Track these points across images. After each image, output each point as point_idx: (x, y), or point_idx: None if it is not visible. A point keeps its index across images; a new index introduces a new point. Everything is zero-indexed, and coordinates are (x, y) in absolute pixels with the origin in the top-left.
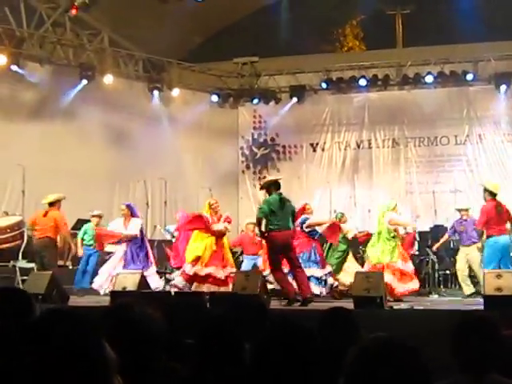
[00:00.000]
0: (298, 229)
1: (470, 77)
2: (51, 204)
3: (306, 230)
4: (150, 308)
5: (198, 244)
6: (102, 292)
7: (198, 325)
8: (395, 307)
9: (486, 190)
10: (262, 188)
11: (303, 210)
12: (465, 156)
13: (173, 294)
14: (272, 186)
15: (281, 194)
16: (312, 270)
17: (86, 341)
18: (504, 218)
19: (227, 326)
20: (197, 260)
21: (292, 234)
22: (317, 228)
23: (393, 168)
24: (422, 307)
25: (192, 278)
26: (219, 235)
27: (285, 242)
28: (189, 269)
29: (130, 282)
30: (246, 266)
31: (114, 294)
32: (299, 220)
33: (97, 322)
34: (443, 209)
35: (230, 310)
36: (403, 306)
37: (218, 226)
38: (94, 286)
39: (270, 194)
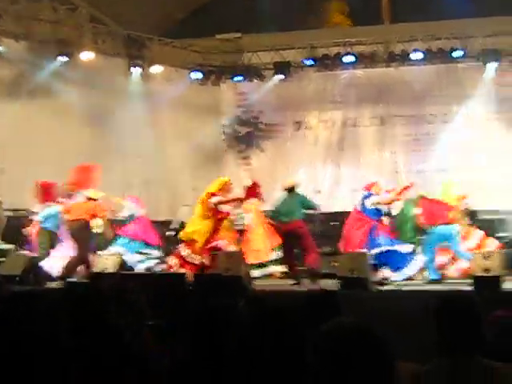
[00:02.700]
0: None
1: (458, 54)
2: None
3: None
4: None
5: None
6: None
7: (185, 308)
8: (381, 288)
9: None
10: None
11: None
12: (452, 135)
13: (154, 275)
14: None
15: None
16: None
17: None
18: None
19: (219, 312)
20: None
21: None
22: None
23: (379, 147)
24: (410, 288)
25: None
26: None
27: None
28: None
29: (110, 263)
30: None
31: (93, 276)
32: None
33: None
34: (430, 188)
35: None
36: (391, 287)
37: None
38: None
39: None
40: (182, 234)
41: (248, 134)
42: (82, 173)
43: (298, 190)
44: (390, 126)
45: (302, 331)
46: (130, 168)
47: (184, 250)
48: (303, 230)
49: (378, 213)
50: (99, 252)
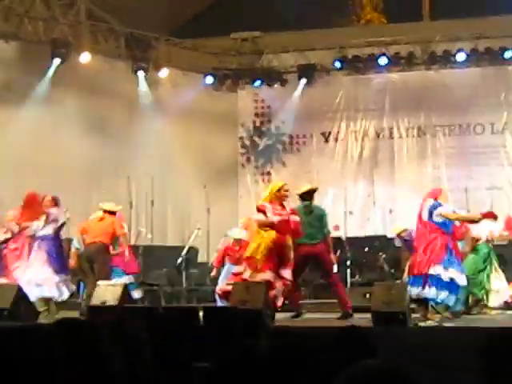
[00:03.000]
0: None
1: (508, 54)
2: (109, 212)
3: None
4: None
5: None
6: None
7: (193, 343)
8: (421, 324)
9: None
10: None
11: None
12: (503, 147)
13: (161, 309)
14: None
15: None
16: None
17: None
18: None
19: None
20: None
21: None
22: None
23: (418, 161)
24: (453, 324)
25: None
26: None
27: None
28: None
29: (109, 294)
30: None
31: (92, 310)
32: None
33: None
34: (478, 209)
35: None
36: (430, 322)
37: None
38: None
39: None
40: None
41: (268, 147)
42: (30, 205)
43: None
44: (430, 137)
45: (330, 374)
46: (134, 186)
47: (245, 271)
48: (328, 256)
49: (447, 226)
50: (98, 282)
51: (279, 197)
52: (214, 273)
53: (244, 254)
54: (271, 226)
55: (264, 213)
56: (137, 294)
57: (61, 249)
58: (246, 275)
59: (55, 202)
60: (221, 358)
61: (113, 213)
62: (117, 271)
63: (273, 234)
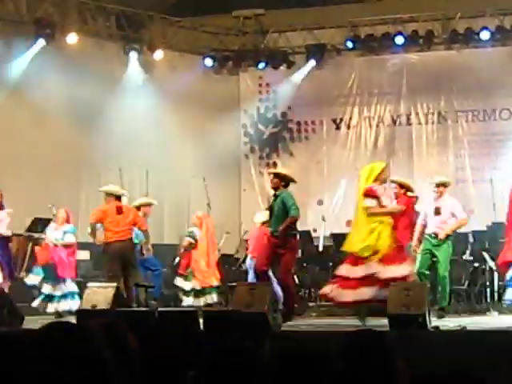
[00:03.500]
0: None
1: None
2: (116, 197)
3: None
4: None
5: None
6: None
7: (193, 351)
8: (442, 328)
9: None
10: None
11: None
12: None
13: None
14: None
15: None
16: None
17: None
18: None
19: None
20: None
21: None
22: None
23: (439, 150)
24: (476, 328)
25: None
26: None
27: None
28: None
29: (101, 298)
30: None
31: (81, 314)
32: None
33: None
34: (504, 202)
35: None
36: (452, 325)
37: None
38: None
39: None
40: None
41: (274, 135)
42: None
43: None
44: (451, 123)
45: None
46: (126, 178)
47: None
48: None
49: None
50: (89, 283)
51: (382, 180)
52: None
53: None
54: (388, 212)
55: (376, 198)
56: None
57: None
58: (381, 273)
59: None
60: (216, 363)
61: (118, 197)
62: None
63: (389, 220)
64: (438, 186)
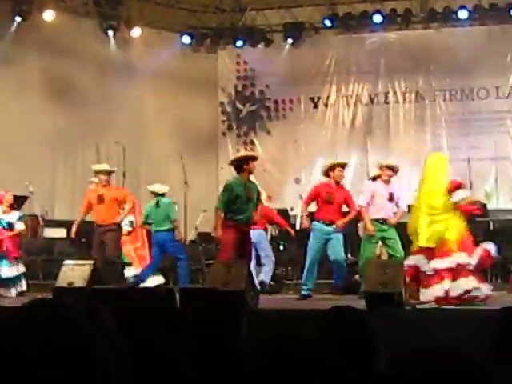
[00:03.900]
0: None
1: None
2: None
3: None
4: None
5: None
6: None
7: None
8: (419, 306)
9: None
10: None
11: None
12: (509, 113)
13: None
14: (244, 165)
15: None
16: None
17: None
18: None
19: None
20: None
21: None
22: None
23: (416, 128)
24: (452, 306)
25: None
26: None
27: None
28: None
29: (77, 275)
30: None
31: (57, 291)
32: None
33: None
34: (481, 181)
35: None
36: (428, 305)
37: None
38: None
39: (238, 173)
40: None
41: (251, 114)
42: None
43: None
44: (429, 102)
45: (323, 359)
46: (103, 156)
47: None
48: None
49: None
50: (65, 261)
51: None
52: None
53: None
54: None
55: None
56: None
57: None
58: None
59: None
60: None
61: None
62: None
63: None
64: (387, 169)
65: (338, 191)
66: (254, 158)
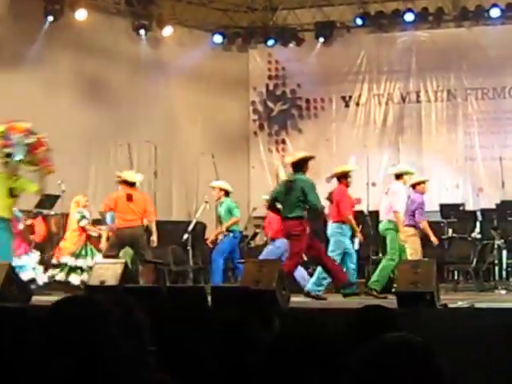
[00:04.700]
0: None
1: None
2: (129, 184)
3: None
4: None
5: None
6: None
7: (201, 329)
8: (451, 305)
9: None
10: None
11: None
12: None
13: (165, 289)
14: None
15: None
16: None
17: None
18: None
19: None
20: None
21: None
22: None
23: (448, 127)
24: (485, 305)
25: None
26: None
27: None
28: None
29: (109, 273)
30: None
31: (90, 289)
32: None
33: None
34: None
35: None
36: (460, 303)
37: None
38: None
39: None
40: None
41: (283, 113)
42: None
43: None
44: (461, 101)
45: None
46: (134, 155)
47: None
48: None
49: None
50: (97, 259)
51: None
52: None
53: None
54: None
55: None
56: None
57: None
58: None
59: None
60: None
61: (132, 184)
62: None
63: None
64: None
65: None
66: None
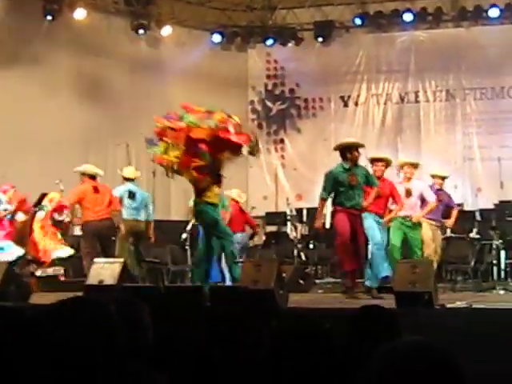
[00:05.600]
0: None
1: None
2: (91, 177)
3: None
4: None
5: None
6: None
7: (199, 328)
8: (449, 305)
9: None
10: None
11: None
12: None
13: (163, 288)
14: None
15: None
16: None
17: None
18: None
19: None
20: None
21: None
22: None
23: (447, 127)
24: (483, 305)
25: None
26: None
27: None
28: None
29: (107, 273)
30: None
31: (88, 289)
32: None
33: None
34: None
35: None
36: (459, 303)
37: None
38: None
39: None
40: None
41: (281, 112)
42: None
43: None
44: (460, 101)
45: (351, 359)
46: (133, 154)
47: None
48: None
49: None
50: (95, 259)
51: None
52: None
53: None
54: None
55: None
56: None
57: None
58: None
59: None
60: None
61: (92, 176)
62: None
63: None
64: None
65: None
66: (358, 147)
